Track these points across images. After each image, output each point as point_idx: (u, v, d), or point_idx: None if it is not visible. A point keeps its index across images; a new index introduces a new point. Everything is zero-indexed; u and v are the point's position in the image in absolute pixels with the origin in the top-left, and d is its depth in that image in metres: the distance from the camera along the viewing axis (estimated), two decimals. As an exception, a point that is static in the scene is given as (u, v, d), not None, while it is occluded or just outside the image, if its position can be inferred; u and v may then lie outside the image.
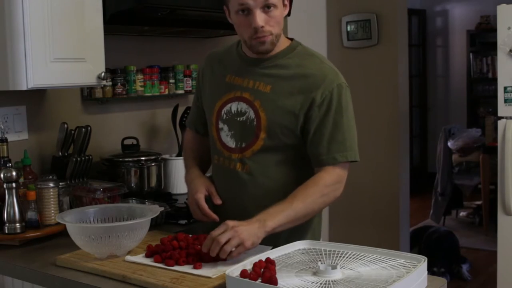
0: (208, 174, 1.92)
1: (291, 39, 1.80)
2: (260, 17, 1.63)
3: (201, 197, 1.76)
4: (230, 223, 1.54)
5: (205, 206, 1.75)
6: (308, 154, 1.73)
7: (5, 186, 1.84)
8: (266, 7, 1.63)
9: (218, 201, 1.78)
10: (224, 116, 1.76)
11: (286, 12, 1.71)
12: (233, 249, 1.50)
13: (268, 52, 1.71)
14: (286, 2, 1.70)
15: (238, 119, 1.73)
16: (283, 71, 1.72)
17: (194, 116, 1.95)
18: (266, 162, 1.73)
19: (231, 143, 1.75)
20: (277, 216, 1.59)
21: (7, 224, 1.85)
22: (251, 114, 1.72)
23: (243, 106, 1.73)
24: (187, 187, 1.86)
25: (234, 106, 1.75)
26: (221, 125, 1.77)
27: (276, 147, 1.71)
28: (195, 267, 1.50)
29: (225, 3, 1.72)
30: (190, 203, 1.82)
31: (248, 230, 1.52)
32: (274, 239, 1.63)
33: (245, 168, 1.74)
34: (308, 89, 1.68)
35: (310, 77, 1.70)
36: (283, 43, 1.75)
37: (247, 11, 1.64)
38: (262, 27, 1.64)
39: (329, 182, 1.68)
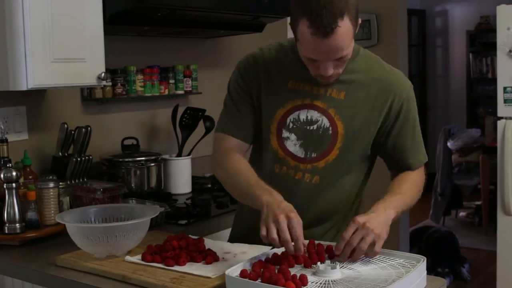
0: None
1: None
2: (330, 67, 1.52)
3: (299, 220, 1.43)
4: (360, 219, 1.44)
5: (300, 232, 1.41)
6: (386, 159, 1.72)
7: (5, 186, 1.84)
8: (339, 58, 1.52)
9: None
10: (291, 124, 1.65)
11: (357, 29, 1.55)
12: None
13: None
14: (359, 22, 1.53)
15: (309, 127, 1.64)
16: (355, 76, 1.64)
17: (240, 123, 1.71)
18: (338, 173, 1.67)
19: (300, 153, 1.65)
20: (395, 203, 1.56)
21: (7, 224, 1.85)
22: (325, 123, 1.63)
23: (314, 114, 1.64)
24: (270, 203, 1.46)
25: (302, 114, 1.64)
26: (286, 134, 1.66)
27: (350, 156, 1.66)
28: (178, 263, 1.51)
29: (292, 26, 1.52)
30: (282, 218, 1.41)
31: (379, 221, 1.45)
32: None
33: (314, 179, 1.65)
34: (384, 95, 1.63)
35: (383, 82, 1.64)
36: None
37: (316, 60, 1.52)
38: (331, 74, 1.55)
39: (421, 179, 1.71)
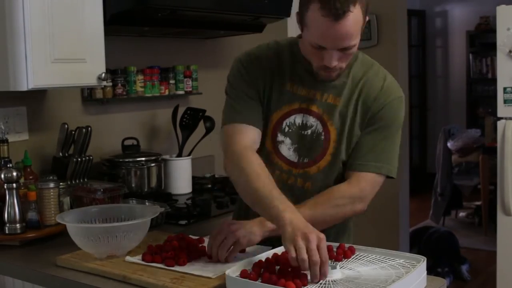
0: None
1: None
2: (335, 57, 1.52)
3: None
4: (226, 222, 1.54)
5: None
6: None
7: (5, 186, 1.84)
8: (345, 49, 1.51)
9: None
10: (286, 128, 1.65)
11: (365, 24, 1.54)
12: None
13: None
14: (367, 19, 1.53)
15: (303, 132, 1.64)
16: (351, 82, 1.64)
17: (252, 110, 1.64)
18: (330, 179, 1.65)
19: (293, 157, 1.65)
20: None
21: (7, 225, 1.85)
22: (319, 128, 1.63)
23: (309, 119, 1.64)
24: (296, 223, 1.37)
25: (298, 119, 1.64)
26: (281, 137, 1.66)
27: (342, 162, 1.65)
28: (178, 263, 1.51)
29: (300, 14, 1.53)
30: (313, 237, 1.33)
31: (244, 228, 1.52)
32: None
33: (306, 184, 1.65)
34: (370, 100, 1.63)
35: (373, 88, 1.64)
36: None
37: (322, 48, 1.51)
38: (334, 66, 1.54)
39: (347, 194, 1.60)
